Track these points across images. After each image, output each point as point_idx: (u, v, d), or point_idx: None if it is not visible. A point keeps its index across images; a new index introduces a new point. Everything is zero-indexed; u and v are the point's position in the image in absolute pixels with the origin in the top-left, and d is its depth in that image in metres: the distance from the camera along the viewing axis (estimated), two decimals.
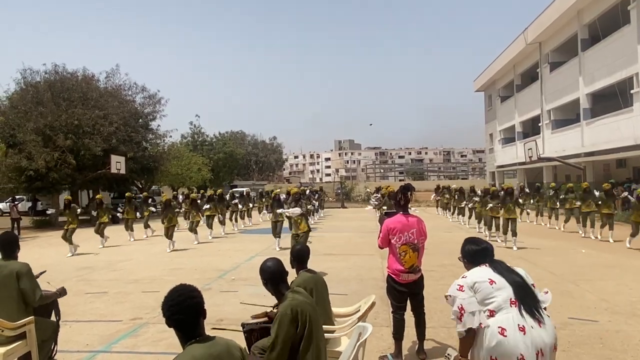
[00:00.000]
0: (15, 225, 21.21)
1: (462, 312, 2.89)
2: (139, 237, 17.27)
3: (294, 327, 3.02)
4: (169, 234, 14.16)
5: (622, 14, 21.78)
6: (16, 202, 24.82)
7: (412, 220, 4.83)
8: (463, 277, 3.10)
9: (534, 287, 3.10)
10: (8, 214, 24.13)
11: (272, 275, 3.30)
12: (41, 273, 5.05)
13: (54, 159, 23.44)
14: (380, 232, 5.07)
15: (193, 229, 15.76)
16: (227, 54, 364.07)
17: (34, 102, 25.10)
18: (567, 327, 5.98)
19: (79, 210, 15.39)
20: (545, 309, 2.98)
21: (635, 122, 20.79)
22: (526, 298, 2.90)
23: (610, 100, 23.55)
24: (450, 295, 3.04)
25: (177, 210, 15.44)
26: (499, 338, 2.76)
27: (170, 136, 35.60)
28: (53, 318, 4.82)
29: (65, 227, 14.17)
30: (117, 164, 24.13)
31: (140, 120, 30.63)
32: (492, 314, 2.87)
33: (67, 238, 13.85)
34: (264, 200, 24.68)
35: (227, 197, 21.10)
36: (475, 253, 3.26)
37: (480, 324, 2.83)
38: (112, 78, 30.02)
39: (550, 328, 2.86)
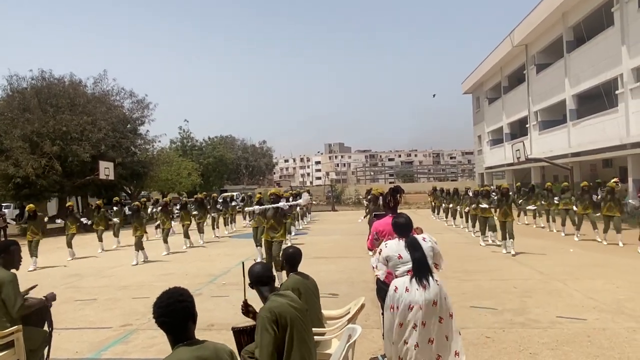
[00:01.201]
0: (2, 233, 21.01)
1: (375, 268, 4.50)
2: (109, 248, 16.30)
3: (274, 328, 3.01)
4: (136, 245, 12.90)
5: (606, 15, 22.08)
6: (3, 211, 24.56)
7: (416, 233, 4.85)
8: (385, 245, 4.37)
9: (439, 257, 4.35)
10: None
11: (257, 279, 3.38)
12: (32, 287, 5.00)
13: (42, 165, 23.24)
14: (370, 234, 5.11)
15: (164, 238, 14.64)
16: (213, 58, 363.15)
17: (20, 108, 24.93)
18: (555, 325, 6.04)
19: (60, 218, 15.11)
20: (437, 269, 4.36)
21: (620, 122, 21.05)
22: (418, 271, 4.05)
23: (595, 101, 23.82)
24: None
25: (145, 218, 14.35)
26: (392, 293, 4.13)
27: (159, 141, 35.50)
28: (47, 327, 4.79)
29: (72, 232, 14.33)
30: (106, 170, 23.96)
31: (129, 125, 30.51)
32: (395, 276, 4.20)
33: (69, 243, 14.11)
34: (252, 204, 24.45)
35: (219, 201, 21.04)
36: (399, 226, 4.38)
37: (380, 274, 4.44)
38: (100, 83, 30.01)
39: (433, 291, 3.99)
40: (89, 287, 9.68)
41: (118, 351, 5.68)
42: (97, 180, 25.44)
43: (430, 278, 4.03)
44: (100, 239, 16.05)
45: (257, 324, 3.08)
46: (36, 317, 4.68)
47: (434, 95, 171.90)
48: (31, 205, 13.88)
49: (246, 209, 9.65)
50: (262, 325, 3.03)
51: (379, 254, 4.36)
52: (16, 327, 4.35)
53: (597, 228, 13.96)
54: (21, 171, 22.69)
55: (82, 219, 16.44)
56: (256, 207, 10.04)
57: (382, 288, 4.87)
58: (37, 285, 5.11)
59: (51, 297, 4.73)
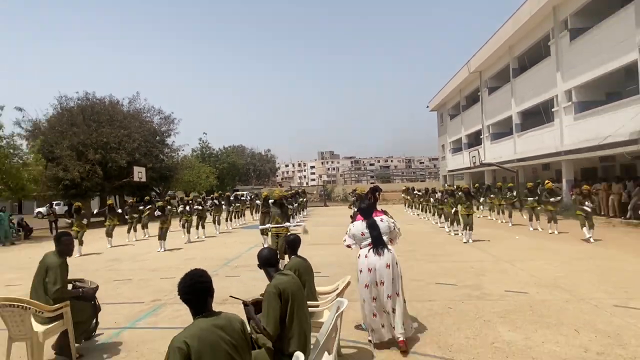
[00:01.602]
0: (53, 226, 20.89)
1: (344, 243, 4.72)
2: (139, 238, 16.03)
3: (278, 300, 3.02)
4: (160, 234, 12.74)
5: (544, 48, 22.24)
6: (53, 207, 24.40)
7: (379, 212, 4.87)
8: (352, 225, 4.68)
9: (395, 234, 4.67)
10: (47, 217, 23.84)
11: (265, 261, 3.41)
12: (78, 280, 4.98)
13: (86, 170, 23.13)
14: None
15: (186, 227, 14.81)
16: (228, 82, 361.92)
17: (68, 123, 24.77)
18: (504, 298, 6.07)
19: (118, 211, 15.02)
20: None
21: (556, 134, 21.20)
22: (376, 244, 4.41)
23: (536, 117, 23.95)
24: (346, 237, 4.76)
25: (170, 214, 13.82)
26: (358, 260, 4.49)
27: (183, 150, 35.21)
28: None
29: (110, 224, 14.28)
30: (139, 174, 23.79)
31: (158, 137, 30.21)
32: (360, 248, 4.52)
33: (109, 233, 14.08)
34: (259, 202, 24.65)
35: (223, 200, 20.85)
36: (363, 210, 4.70)
37: (349, 246, 4.70)
38: (134, 103, 29.64)
39: (387, 257, 4.34)
40: (125, 270, 9.60)
41: (149, 322, 5.66)
42: (132, 182, 25.19)
43: (385, 249, 4.40)
44: (135, 229, 15.92)
45: (265, 297, 3.08)
46: (84, 299, 4.69)
47: (412, 116, 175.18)
48: (78, 202, 13.69)
49: (260, 227, 9.78)
50: (269, 297, 3.04)
51: (346, 234, 4.72)
52: (65, 302, 4.32)
53: (539, 219, 14.12)
54: (69, 175, 22.53)
55: (118, 212, 16.36)
56: (268, 226, 9.98)
57: None
58: (83, 278, 5.07)
59: (88, 291, 4.72)
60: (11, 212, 23.27)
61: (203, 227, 15.85)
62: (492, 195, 18.53)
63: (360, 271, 4.42)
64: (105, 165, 24.33)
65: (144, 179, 24.42)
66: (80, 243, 12.51)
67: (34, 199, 29.66)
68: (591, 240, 11.07)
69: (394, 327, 4.30)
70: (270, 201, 11.57)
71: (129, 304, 6.59)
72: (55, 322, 4.27)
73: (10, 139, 20.08)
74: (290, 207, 16.72)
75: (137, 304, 6.53)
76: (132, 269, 9.74)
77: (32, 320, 4.10)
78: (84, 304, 4.63)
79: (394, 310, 4.30)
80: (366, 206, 4.73)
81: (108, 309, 6.21)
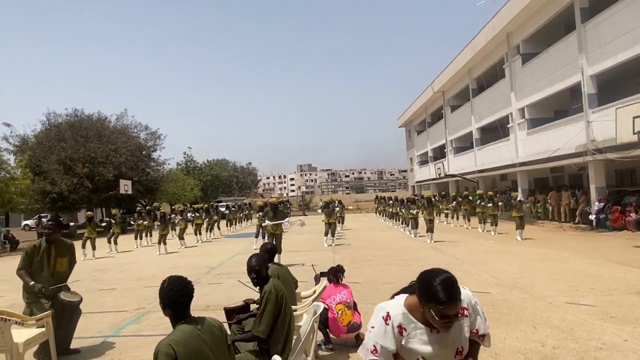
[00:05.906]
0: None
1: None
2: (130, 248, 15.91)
3: (277, 302, 2.98)
4: (161, 240, 13.40)
5: (500, 70, 22.96)
6: (42, 219, 23.47)
7: (340, 286, 4.52)
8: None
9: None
10: (36, 228, 22.85)
11: (253, 269, 3.31)
12: (64, 288, 4.70)
13: (73, 183, 22.38)
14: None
15: (180, 235, 14.98)
16: (209, 101, 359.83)
17: (56, 139, 24.02)
18: None
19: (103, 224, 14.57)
20: None
21: (512, 147, 21.80)
22: None
23: (493, 132, 24.57)
24: None
25: (169, 222, 14.56)
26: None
27: (168, 164, 34.67)
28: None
29: (86, 236, 13.23)
30: (125, 187, 23.22)
31: (144, 151, 29.61)
32: None
33: (84, 245, 13.10)
34: (250, 211, 24.86)
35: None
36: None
37: None
38: (122, 119, 29.09)
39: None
40: (109, 279, 9.23)
41: (133, 329, 5.41)
42: (119, 195, 24.57)
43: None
44: (116, 242, 14.83)
45: (266, 298, 2.99)
46: (70, 314, 4.57)
47: (383, 132, 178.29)
48: (89, 212, 13.68)
49: (263, 224, 10.38)
50: (270, 299, 2.96)
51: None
52: (46, 312, 4.10)
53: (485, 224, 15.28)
54: (56, 188, 21.77)
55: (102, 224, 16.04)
56: (268, 223, 10.04)
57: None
58: (69, 288, 4.75)
59: (61, 299, 4.47)
60: None
61: (203, 233, 16.13)
62: (453, 203, 19.00)
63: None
64: (93, 178, 23.60)
65: (130, 192, 23.83)
66: (93, 247, 13.27)
67: (21, 212, 28.44)
68: (518, 239, 12.48)
69: None
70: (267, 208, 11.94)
71: (113, 312, 6.30)
72: (39, 331, 4.04)
73: None
74: (287, 211, 17.21)
75: (121, 313, 6.25)
76: (116, 278, 9.36)
77: (12, 331, 3.85)
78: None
79: None
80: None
81: (92, 318, 5.93)
